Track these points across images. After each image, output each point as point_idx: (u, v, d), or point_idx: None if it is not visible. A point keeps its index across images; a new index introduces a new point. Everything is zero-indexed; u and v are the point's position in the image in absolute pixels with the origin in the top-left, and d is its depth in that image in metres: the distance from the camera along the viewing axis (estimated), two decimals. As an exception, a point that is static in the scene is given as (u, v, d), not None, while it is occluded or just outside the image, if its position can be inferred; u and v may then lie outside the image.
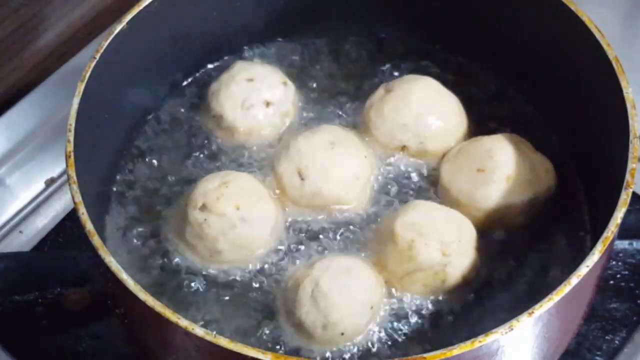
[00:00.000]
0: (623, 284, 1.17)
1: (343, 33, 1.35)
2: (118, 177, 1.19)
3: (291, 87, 1.24)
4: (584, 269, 0.86)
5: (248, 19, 1.30)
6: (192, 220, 1.07)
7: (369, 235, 1.11)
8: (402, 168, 1.17)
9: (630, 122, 0.97)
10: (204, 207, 1.07)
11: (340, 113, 1.25)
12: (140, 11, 1.12)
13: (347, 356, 1.01)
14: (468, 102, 1.22)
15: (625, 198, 0.91)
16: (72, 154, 0.97)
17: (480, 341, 0.81)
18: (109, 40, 1.08)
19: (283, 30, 1.34)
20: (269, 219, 1.09)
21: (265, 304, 1.06)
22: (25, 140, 1.38)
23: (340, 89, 1.28)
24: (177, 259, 1.09)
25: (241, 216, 1.06)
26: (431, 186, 1.15)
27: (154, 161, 1.21)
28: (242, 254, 1.08)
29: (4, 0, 1.37)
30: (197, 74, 1.30)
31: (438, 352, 0.80)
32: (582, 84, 1.12)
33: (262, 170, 1.17)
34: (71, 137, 0.99)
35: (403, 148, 1.17)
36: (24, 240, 1.28)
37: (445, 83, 1.21)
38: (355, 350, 1.01)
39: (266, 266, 1.08)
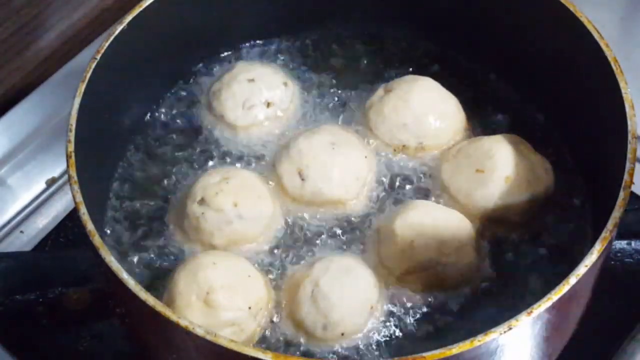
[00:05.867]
0: (621, 283, 1.17)
1: (342, 33, 1.35)
2: (119, 176, 1.19)
3: (292, 87, 1.25)
4: (582, 269, 0.86)
5: (248, 18, 1.30)
6: (190, 213, 1.07)
7: (368, 235, 1.11)
8: (402, 168, 1.18)
9: (629, 122, 0.97)
10: (202, 201, 1.07)
11: (340, 113, 1.25)
12: (141, 12, 1.13)
13: (347, 356, 1.01)
14: (467, 102, 1.23)
15: (623, 198, 0.91)
16: (73, 154, 0.98)
17: (479, 340, 0.81)
18: (109, 41, 1.09)
19: (283, 30, 1.34)
20: (267, 218, 1.09)
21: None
22: (26, 140, 1.38)
23: (341, 88, 1.28)
24: (177, 256, 1.10)
25: (238, 213, 1.07)
26: (431, 186, 1.16)
27: (155, 160, 1.21)
28: (237, 250, 1.08)
29: (5, 1, 1.37)
30: (198, 74, 1.30)
31: (437, 352, 0.80)
32: (581, 85, 1.12)
33: (262, 170, 1.17)
34: (72, 137, 0.99)
35: (403, 148, 1.18)
36: (25, 240, 1.28)
37: (444, 83, 1.22)
38: (355, 349, 1.01)
39: (264, 264, 1.09)
